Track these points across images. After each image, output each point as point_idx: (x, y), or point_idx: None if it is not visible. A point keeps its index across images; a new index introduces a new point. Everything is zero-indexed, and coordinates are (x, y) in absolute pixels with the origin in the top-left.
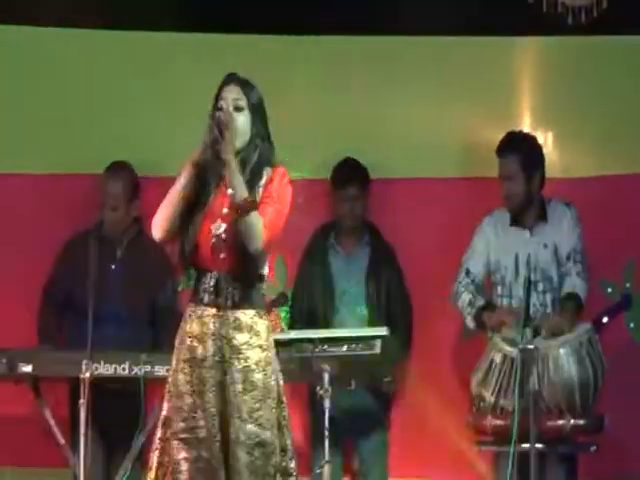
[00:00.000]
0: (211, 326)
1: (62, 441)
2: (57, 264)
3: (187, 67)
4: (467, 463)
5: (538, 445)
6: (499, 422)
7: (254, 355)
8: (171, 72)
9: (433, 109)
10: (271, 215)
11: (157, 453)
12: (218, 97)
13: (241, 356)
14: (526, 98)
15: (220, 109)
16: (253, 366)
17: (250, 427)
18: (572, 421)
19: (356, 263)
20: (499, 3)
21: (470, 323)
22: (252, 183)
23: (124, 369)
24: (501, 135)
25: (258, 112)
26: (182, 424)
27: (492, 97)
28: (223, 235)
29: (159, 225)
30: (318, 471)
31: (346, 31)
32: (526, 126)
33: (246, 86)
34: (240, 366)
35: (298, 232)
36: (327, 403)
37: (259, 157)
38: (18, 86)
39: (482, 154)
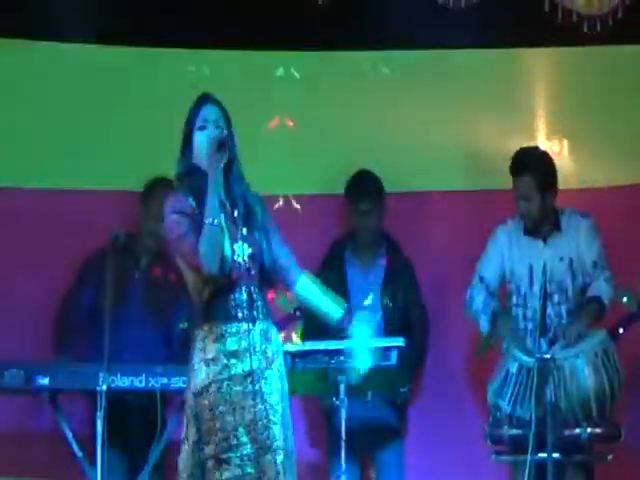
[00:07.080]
0: (249, 341)
1: (79, 453)
2: (80, 277)
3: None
4: (483, 473)
5: (555, 454)
6: (516, 432)
7: (281, 363)
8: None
9: (446, 121)
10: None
11: None
12: (198, 115)
13: (274, 365)
14: (541, 109)
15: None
16: (282, 374)
17: (287, 433)
18: (589, 430)
19: (372, 275)
20: (514, 13)
21: (485, 325)
22: (252, 210)
23: (140, 381)
24: (515, 147)
25: (231, 132)
26: (223, 444)
27: (507, 108)
28: (250, 253)
29: (214, 261)
30: None
31: (357, 46)
32: (541, 137)
33: (222, 106)
34: (275, 375)
35: (311, 247)
36: (343, 414)
37: (242, 177)
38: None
39: (495, 166)
